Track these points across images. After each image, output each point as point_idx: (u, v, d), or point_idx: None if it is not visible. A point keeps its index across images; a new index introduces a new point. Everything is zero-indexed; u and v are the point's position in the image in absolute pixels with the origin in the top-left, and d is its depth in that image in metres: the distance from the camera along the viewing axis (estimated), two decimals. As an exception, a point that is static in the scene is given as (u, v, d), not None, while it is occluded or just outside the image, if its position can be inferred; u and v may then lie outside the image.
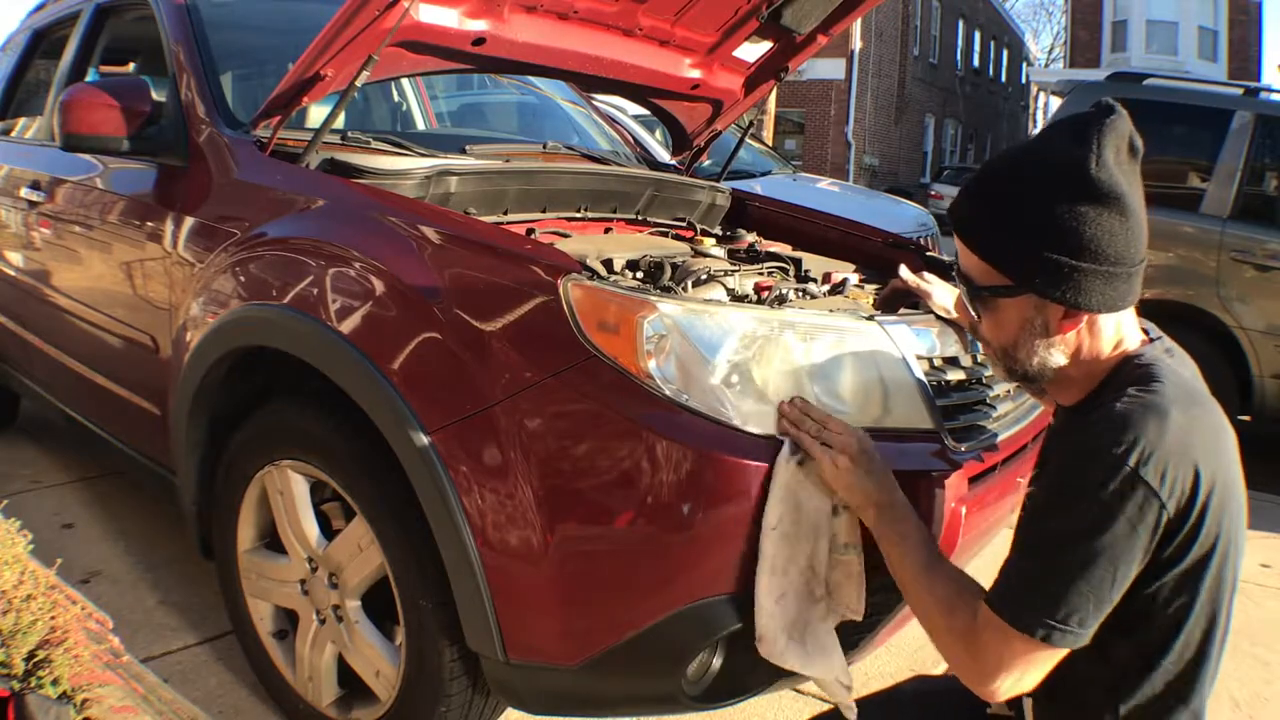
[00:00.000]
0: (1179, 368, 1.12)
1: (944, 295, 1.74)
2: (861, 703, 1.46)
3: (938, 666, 2.37)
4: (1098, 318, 1.10)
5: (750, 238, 2.39)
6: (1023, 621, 1.05)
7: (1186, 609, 1.07)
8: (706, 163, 3.54)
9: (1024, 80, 37.98)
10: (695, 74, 2.70)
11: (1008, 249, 1.09)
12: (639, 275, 1.84)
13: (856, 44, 22.40)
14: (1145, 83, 4.79)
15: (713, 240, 2.27)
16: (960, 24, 30.53)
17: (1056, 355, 1.12)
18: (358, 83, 1.96)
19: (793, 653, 1.40)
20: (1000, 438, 1.75)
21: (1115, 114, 1.05)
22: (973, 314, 1.17)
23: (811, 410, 1.41)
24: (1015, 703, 1.24)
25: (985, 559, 1.72)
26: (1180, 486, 1.01)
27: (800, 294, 1.91)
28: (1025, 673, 1.08)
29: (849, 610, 1.43)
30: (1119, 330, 1.13)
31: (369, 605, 1.81)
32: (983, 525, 1.66)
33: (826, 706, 1.49)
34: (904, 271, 1.80)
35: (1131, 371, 1.10)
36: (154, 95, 2.34)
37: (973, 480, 1.62)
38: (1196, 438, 1.04)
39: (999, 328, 1.14)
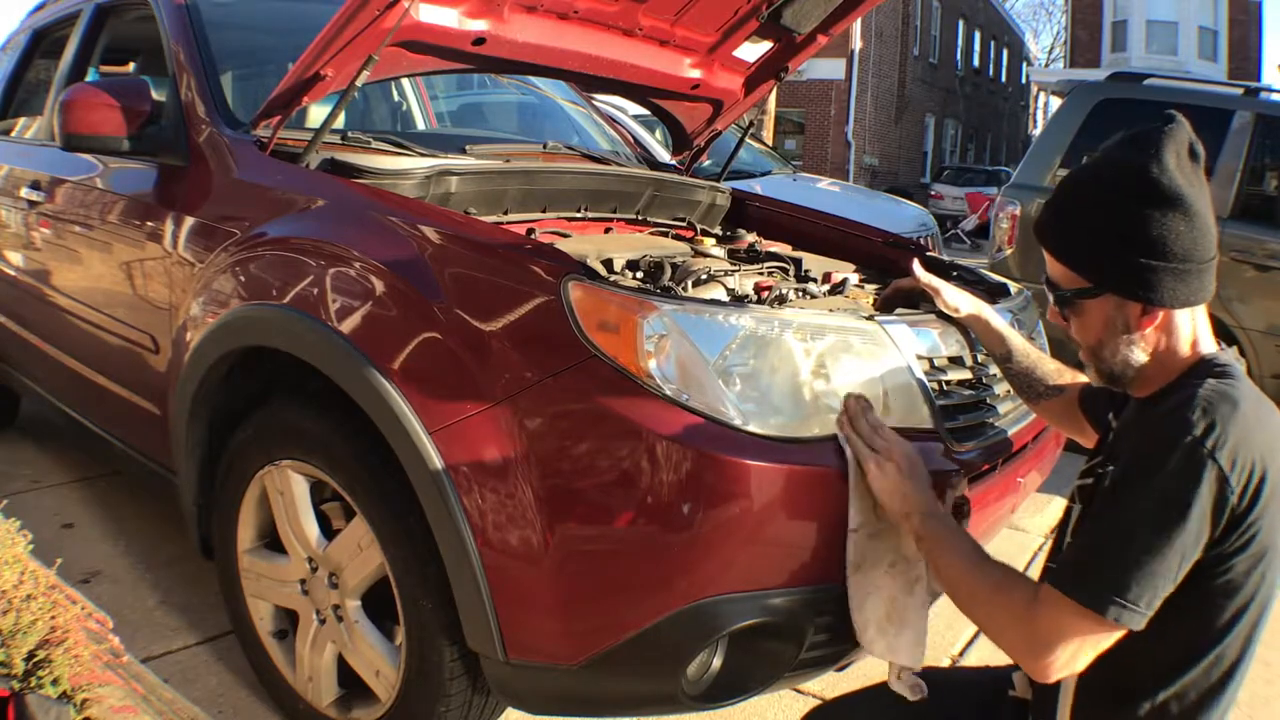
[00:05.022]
0: (1244, 374, 1.18)
1: (953, 294, 1.74)
2: (871, 692, 1.47)
3: (941, 661, 2.37)
4: (1174, 315, 1.17)
5: (750, 238, 2.39)
6: (1094, 600, 1.08)
7: (1239, 604, 1.11)
8: (706, 163, 3.54)
9: (1024, 80, 37.97)
10: (695, 74, 2.70)
11: (1085, 253, 1.18)
12: (639, 275, 1.84)
13: (856, 44, 22.38)
14: (1145, 83, 4.79)
15: (713, 240, 2.27)
16: (960, 24, 30.51)
17: (1138, 353, 1.19)
18: (358, 83, 1.96)
19: (884, 646, 1.43)
20: (1001, 437, 1.75)
21: (1175, 123, 1.15)
22: (1062, 318, 1.25)
23: (869, 414, 1.45)
24: (1044, 688, 1.26)
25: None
26: (1248, 475, 1.06)
27: (800, 294, 1.91)
28: (1081, 650, 1.11)
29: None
30: (1195, 330, 1.19)
31: (369, 605, 1.81)
32: (983, 525, 1.66)
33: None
34: (916, 268, 1.80)
35: (1208, 367, 1.16)
36: (154, 95, 2.34)
37: (973, 480, 1.62)
38: (1263, 434, 1.09)
39: (1085, 329, 1.22)
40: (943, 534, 1.30)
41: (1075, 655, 1.12)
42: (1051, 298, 1.25)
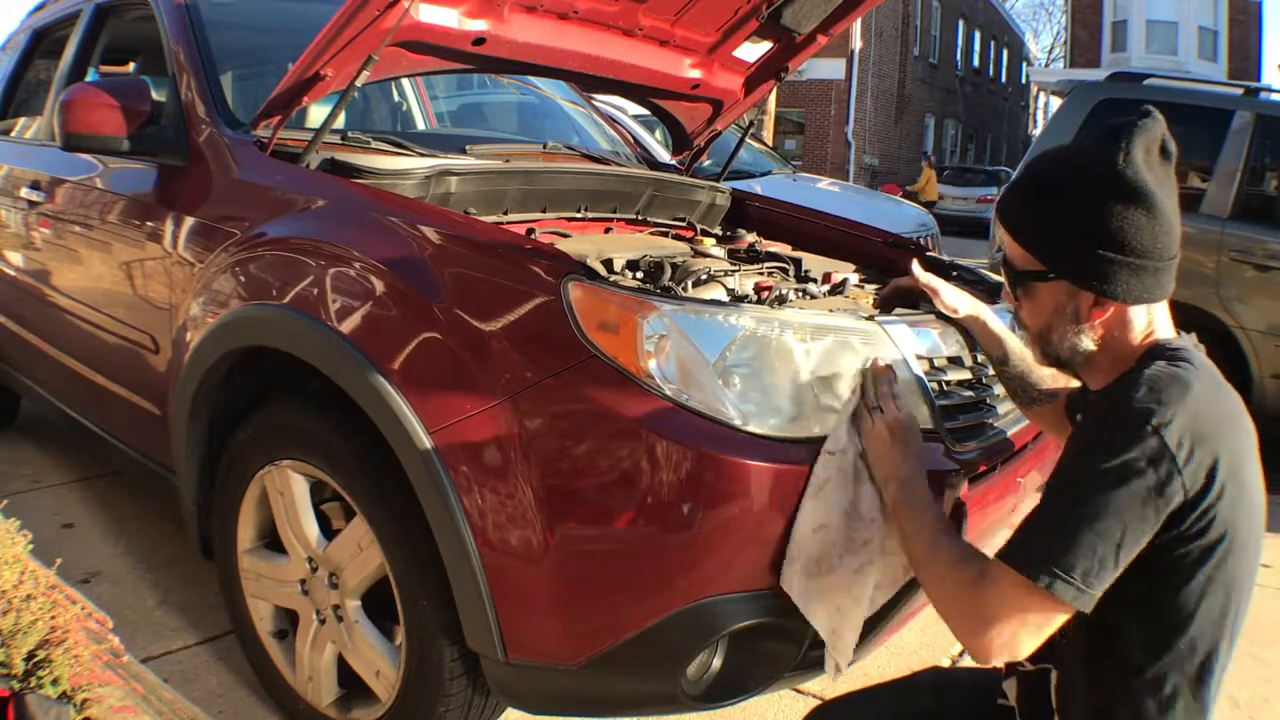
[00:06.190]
0: (1206, 359, 1.17)
1: (952, 294, 1.73)
2: (871, 692, 1.47)
3: (940, 661, 2.37)
4: (1127, 308, 1.17)
5: (750, 238, 2.39)
6: (1029, 568, 1.08)
7: (1202, 593, 1.10)
8: (706, 163, 3.54)
9: (1024, 80, 37.97)
10: (695, 74, 2.70)
11: (1042, 237, 1.18)
12: (639, 275, 1.84)
13: (856, 44, 22.38)
14: (1145, 83, 4.79)
15: (713, 240, 2.27)
16: (960, 24, 30.51)
17: (1086, 341, 1.19)
18: (358, 83, 1.96)
19: (799, 587, 1.41)
20: (1001, 437, 1.75)
21: (1149, 118, 1.14)
22: (1013, 298, 1.25)
23: (892, 379, 1.48)
24: (1037, 686, 1.26)
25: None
26: (1196, 458, 1.05)
27: (800, 294, 1.91)
28: (1022, 628, 1.10)
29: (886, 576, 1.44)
30: (1150, 323, 1.18)
31: (369, 605, 1.81)
32: (983, 525, 1.66)
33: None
34: (915, 268, 1.80)
35: (1160, 351, 1.15)
36: (154, 95, 2.34)
37: (973, 480, 1.62)
38: (1215, 417, 1.08)
39: (1035, 311, 1.22)
40: (912, 507, 1.31)
41: (1017, 633, 1.10)
42: (1005, 276, 1.25)
